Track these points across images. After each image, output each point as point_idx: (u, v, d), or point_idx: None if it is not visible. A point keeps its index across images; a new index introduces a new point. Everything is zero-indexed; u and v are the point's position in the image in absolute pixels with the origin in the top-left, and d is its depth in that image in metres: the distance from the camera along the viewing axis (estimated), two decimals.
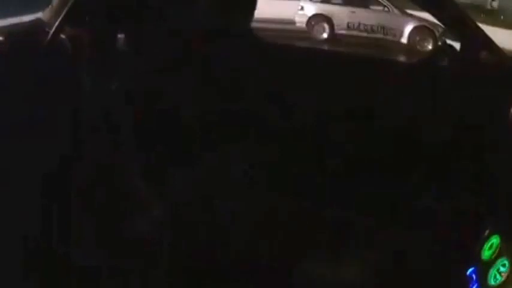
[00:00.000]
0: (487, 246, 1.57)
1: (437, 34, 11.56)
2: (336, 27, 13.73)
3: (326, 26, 13.75)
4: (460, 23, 1.81)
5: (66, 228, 1.56)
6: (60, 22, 1.61)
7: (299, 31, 13.34)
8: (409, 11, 12.55)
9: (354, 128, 1.86)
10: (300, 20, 13.74)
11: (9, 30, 1.65)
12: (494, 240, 1.57)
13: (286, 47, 2.73)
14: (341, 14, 13.79)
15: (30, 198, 1.51)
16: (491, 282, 1.50)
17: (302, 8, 13.84)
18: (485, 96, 1.70)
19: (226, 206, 1.66)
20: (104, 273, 1.55)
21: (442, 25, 2.21)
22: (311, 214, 1.79)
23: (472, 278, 1.56)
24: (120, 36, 1.83)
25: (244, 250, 1.67)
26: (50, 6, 1.75)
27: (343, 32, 13.68)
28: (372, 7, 13.98)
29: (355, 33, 13.60)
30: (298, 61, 2.02)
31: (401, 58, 11.49)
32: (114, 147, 1.63)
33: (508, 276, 1.46)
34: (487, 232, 1.59)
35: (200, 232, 1.65)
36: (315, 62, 2.06)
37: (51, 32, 1.60)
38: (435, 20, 2.07)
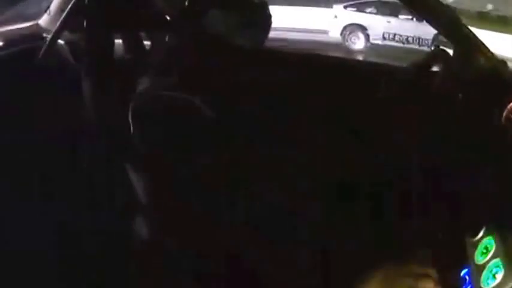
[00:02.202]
0: (481, 247, 1.55)
1: None
2: (371, 37, 13.62)
3: (361, 35, 13.64)
4: (453, 28, 1.80)
5: None
6: (58, 28, 1.67)
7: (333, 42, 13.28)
8: None
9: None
10: (334, 30, 13.67)
11: (6, 36, 1.72)
12: (489, 241, 1.54)
13: None
14: (377, 24, 13.66)
15: None
16: (485, 284, 1.47)
17: (335, 17, 13.72)
18: (478, 100, 1.69)
19: None
20: None
21: None
22: None
23: (466, 279, 1.54)
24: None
25: None
26: (47, 12, 1.82)
27: (379, 42, 13.55)
28: (401, 16, 13.77)
29: (390, 43, 13.45)
30: None
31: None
32: None
33: (501, 278, 1.43)
34: (481, 233, 1.57)
35: None
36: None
37: (49, 38, 1.68)
38: None
